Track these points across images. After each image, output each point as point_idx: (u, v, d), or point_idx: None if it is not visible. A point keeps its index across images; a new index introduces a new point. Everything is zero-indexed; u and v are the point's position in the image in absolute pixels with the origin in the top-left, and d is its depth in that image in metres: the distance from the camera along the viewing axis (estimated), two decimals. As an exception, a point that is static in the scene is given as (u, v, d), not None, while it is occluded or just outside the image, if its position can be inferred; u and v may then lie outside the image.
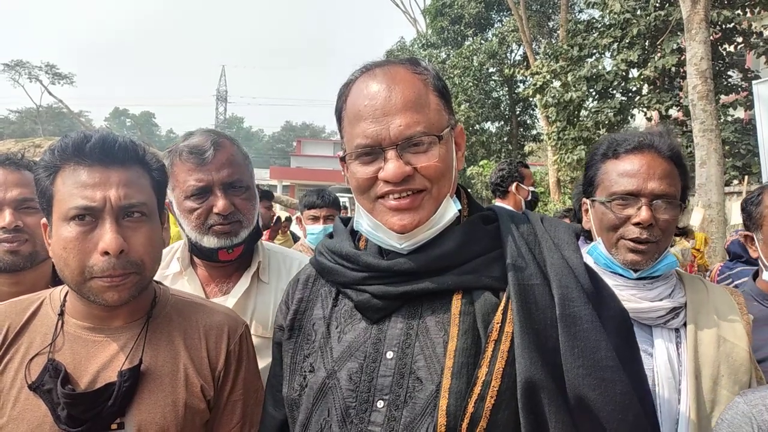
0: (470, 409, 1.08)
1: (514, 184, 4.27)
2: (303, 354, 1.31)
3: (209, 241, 1.84)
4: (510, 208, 4.22)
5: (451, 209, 1.22)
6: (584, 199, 1.83)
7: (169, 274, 1.97)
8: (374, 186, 1.21)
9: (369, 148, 1.19)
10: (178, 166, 1.85)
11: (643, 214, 1.62)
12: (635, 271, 1.69)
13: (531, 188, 4.41)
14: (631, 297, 1.68)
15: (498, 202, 4.34)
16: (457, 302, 1.18)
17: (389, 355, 1.18)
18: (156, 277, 1.99)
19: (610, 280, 1.68)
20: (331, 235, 1.40)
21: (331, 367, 1.23)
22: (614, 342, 1.12)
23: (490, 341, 1.13)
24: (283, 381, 1.35)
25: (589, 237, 1.83)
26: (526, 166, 4.50)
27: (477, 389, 1.09)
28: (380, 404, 1.15)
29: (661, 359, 1.62)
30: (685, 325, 1.66)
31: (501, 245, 1.22)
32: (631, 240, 1.66)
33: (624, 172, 1.68)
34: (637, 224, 1.64)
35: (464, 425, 1.07)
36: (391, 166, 1.16)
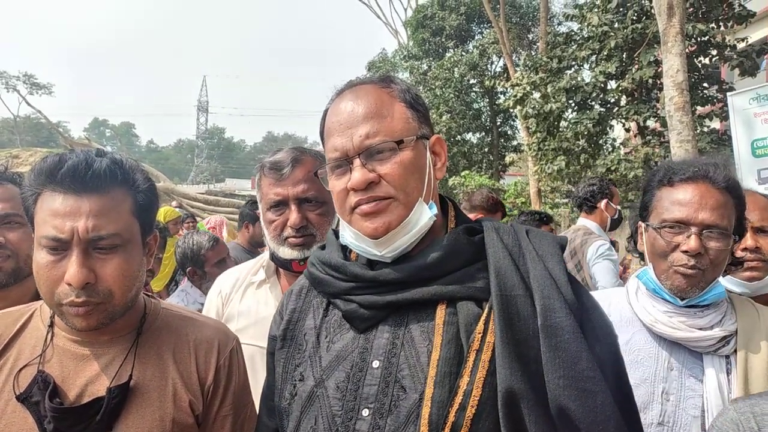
0: (451, 418, 1.10)
1: (604, 201, 4.21)
2: (294, 363, 1.33)
3: (284, 252, 1.94)
4: (595, 224, 4.18)
5: (425, 213, 1.24)
6: (640, 222, 1.86)
7: (255, 281, 2.12)
8: (348, 197, 1.25)
9: (338, 160, 1.25)
10: (263, 180, 1.99)
11: (692, 243, 1.64)
12: (682, 299, 1.70)
13: (618, 207, 4.34)
14: (681, 324, 1.71)
15: (583, 218, 4.30)
16: (441, 312, 1.21)
17: (375, 364, 1.21)
18: (244, 283, 2.11)
19: (661, 306, 1.74)
20: (323, 247, 1.43)
21: (319, 375, 1.25)
22: (597, 353, 1.13)
23: (471, 351, 1.15)
24: (275, 390, 1.37)
25: (643, 257, 1.87)
26: (615, 185, 4.41)
27: (458, 398, 1.11)
28: (365, 413, 1.17)
29: (711, 386, 1.65)
30: (735, 351, 1.66)
31: (485, 256, 1.24)
32: (680, 266, 1.67)
33: (677, 200, 1.71)
34: (685, 252, 1.66)
35: None
36: (356, 175, 1.22)
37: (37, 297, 1.90)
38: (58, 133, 30.97)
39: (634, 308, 1.82)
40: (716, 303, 1.73)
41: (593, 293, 2.02)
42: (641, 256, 1.87)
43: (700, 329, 1.69)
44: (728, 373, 1.66)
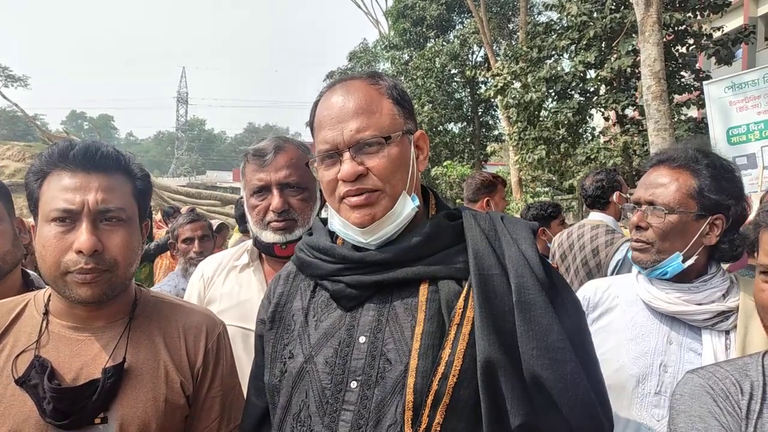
0: (434, 386, 1.19)
1: (616, 194, 4.05)
2: (283, 343, 1.40)
3: (266, 236, 1.99)
4: (611, 218, 4.02)
5: (408, 205, 1.32)
6: None
7: (238, 264, 2.17)
8: (337, 187, 1.32)
9: (328, 152, 1.31)
10: (247, 167, 2.05)
11: (632, 218, 1.84)
12: (644, 269, 1.84)
13: (628, 195, 4.12)
14: (677, 300, 1.79)
15: (597, 213, 4.11)
16: (424, 290, 1.29)
17: (362, 339, 1.28)
18: (227, 267, 2.15)
19: (658, 284, 1.83)
20: (310, 233, 1.50)
21: (308, 352, 1.32)
22: (566, 326, 1.23)
23: (452, 325, 1.24)
24: (265, 370, 1.44)
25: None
26: (619, 174, 4.27)
27: (441, 369, 1.20)
28: (353, 385, 1.25)
29: (708, 360, 1.70)
30: (735, 327, 1.72)
31: (464, 239, 1.32)
32: (632, 240, 1.86)
33: (638, 185, 1.89)
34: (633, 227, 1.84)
35: (429, 401, 1.18)
36: (346, 167, 1.28)
37: (18, 294, 1.89)
38: (36, 126, 30.50)
39: (636, 290, 1.91)
40: (714, 280, 1.80)
41: (605, 278, 2.13)
42: None
43: (698, 304, 1.76)
44: (727, 348, 1.73)
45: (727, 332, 1.75)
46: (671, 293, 1.80)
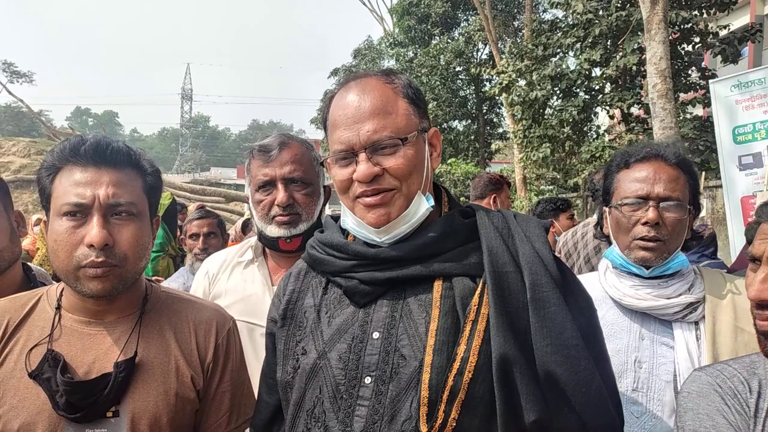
0: (450, 382, 1.19)
1: None
2: (295, 340, 1.40)
3: (271, 231, 2.01)
4: None
5: (423, 205, 1.32)
6: (604, 207, 1.95)
7: (243, 260, 2.19)
8: (351, 186, 1.32)
9: (344, 152, 1.31)
10: (252, 163, 2.07)
11: (650, 214, 1.76)
12: (647, 268, 1.80)
13: None
14: (647, 295, 1.79)
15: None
16: (438, 287, 1.29)
17: (375, 335, 1.29)
18: (231, 263, 2.18)
19: (627, 281, 1.83)
20: (321, 230, 1.50)
21: (321, 348, 1.33)
22: (579, 323, 1.23)
23: (467, 321, 1.24)
24: (277, 367, 1.44)
25: (609, 241, 1.94)
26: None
27: (456, 365, 1.20)
28: (368, 380, 1.25)
29: (681, 352, 1.73)
30: (704, 318, 1.75)
31: (478, 237, 1.33)
32: (641, 239, 1.78)
33: (634, 178, 1.83)
34: (645, 224, 1.77)
35: (444, 397, 1.18)
36: (362, 168, 1.28)
37: (24, 287, 1.88)
38: (41, 122, 30.58)
39: (604, 287, 1.91)
40: (681, 273, 1.83)
41: None
42: (608, 239, 1.96)
43: (667, 298, 1.78)
44: (697, 338, 1.75)
45: (696, 323, 1.78)
46: (641, 289, 1.81)
